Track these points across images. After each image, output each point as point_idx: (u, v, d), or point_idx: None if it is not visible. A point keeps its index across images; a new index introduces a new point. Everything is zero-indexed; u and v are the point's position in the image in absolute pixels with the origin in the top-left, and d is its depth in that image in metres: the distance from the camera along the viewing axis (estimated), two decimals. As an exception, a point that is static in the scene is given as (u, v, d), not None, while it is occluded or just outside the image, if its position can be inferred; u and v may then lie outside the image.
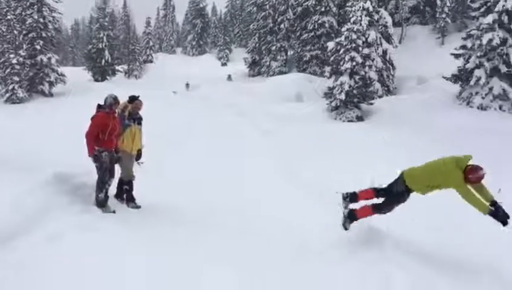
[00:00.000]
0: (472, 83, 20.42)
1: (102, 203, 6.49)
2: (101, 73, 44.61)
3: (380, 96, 26.27)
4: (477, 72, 20.22)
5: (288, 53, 43.55)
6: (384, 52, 27.75)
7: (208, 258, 4.99)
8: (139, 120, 7.16)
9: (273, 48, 42.96)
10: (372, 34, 26.22)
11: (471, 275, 4.80)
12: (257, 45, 45.87)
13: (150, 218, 6.46)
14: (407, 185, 5.30)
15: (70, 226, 5.58)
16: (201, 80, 42.17)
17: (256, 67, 46.31)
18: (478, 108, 20.03)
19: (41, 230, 5.32)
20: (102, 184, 6.46)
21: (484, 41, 19.82)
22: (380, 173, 7.68)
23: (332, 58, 24.62)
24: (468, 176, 4.93)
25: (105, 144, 6.42)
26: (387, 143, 15.07)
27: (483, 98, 20.05)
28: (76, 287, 4.17)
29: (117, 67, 47.29)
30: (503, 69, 19.74)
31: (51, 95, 29.47)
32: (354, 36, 23.11)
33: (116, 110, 6.65)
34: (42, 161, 7.86)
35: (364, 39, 24.36)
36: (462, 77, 21.44)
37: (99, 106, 6.54)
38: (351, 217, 5.73)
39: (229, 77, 44.60)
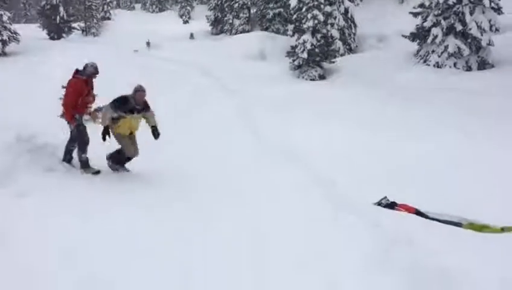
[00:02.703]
0: (429, 41, 21.04)
1: (85, 164, 6.60)
2: (57, 31, 42.66)
3: (342, 55, 26.66)
4: (434, 31, 20.81)
5: (251, 11, 42.89)
6: (346, 10, 27.89)
7: (182, 219, 5.00)
8: (139, 110, 6.69)
9: (236, 5, 42.13)
10: (334, -8, 26.24)
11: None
12: (219, 2, 44.83)
13: (114, 180, 6.53)
14: None
15: (35, 185, 5.65)
16: (163, 38, 41.10)
17: (218, 26, 45.44)
18: (434, 66, 20.75)
19: (6, 189, 5.41)
20: (83, 144, 6.57)
21: (441, 0, 20.31)
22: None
23: (294, 16, 24.56)
24: None
25: (79, 109, 6.51)
26: (348, 102, 15.53)
27: (439, 56, 20.74)
28: (40, 245, 4.17)
29: (73, 25, 45.23)
30: (459, 27, 20.37)
31: (4, 54, 28.14)
32: (316, -7, 23.09)
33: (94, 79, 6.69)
34: (4, 122, 7.79)
35: (326, -4, 24.37)
36: (420, 35, 22.00)
37: (77, 71, 6.52)
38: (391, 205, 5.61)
39: (192, 36, 43.67)
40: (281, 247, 4.33)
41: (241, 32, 39.28)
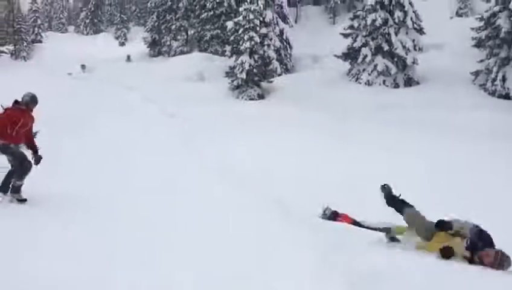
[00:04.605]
0: (359, 60, 22.28)
1: (17, 190, 6.29)
2: (-17, 55, 40.56)
3: (279, 75, 27.44)
4: (364, 51, 22.09)
5: (189, 32, 43.15)
6: (281, 31, 28.89)
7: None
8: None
9: (173, 27, 42.25)
10: (269, 14, 27.10)
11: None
12: (156, 24, 44.72)
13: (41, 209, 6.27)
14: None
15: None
16: (99, 61, 40.22)
17: (156, 47, 45.21)
18: (365, 84, 21.95)
19: None
20: (23, 173, 6.24)
21: (368, 22, 21.64)
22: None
23: (232, 38, 25.07)
24: None
25: (12, 139, 6.20)
26: (284, 119, 16.05)
27: (369, 74, 21.99)
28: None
29: (1, 48, 43.24)
30: (386, 47, 21.75)
31: None
32: (252, 16, 23.73)
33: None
34: None
35: (261, 19, 25.12)
36: (351, 55, 23.22)
37: (15, 102, 6.33)
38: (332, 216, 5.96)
39: (129, 58, 43.07)
40: (232, 260, 4.46)
41: (179, 54, 39.31)
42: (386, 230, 5.18)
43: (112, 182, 7.85)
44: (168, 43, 42.69)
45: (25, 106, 6.34)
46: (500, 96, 19.04)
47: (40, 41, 56.26)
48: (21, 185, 6.34)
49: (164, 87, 25.24)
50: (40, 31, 58.40)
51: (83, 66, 38.30)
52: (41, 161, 6.45)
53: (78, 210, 6.15)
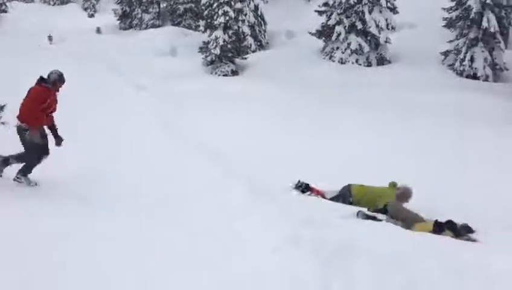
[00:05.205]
0: (333, 38, 22.33)
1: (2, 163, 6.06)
2: None
3: (254, 51, 27.22)
4: (338, 29, 22.13)
5: (161, 5, 42.09)
6: (256, 7, 28.52)
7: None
8: None
9: (145, -1, 41.11)
10: (244, -11, 26.71)
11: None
12: (127, -5, 43.39)
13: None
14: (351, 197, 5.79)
15: None
16: (67, 33, 38.76)
17: (127, 20, 43.92)
18: (339, 62, 22.07)
19: None
20: (21, 160, 6.03)
21: (343, -1, 21.63)
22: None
23: (206, 12, 24.64)
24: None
25: (34, 122, 5.85)
26: (258, 97, 16.03)
27: (342, 52, 22.10)
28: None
29: (-38, 17, 41.26)
30: (359, 25, 21.84)
31: None
32: (226, -10, 23.33)
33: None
34: None
35: (236, -7, 24.71)
36: (325, 33, 23.22)
37: (41, 79, 5.90)
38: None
39: (98, 30, 41.81)
40: (206, 235, 4.52)
41: (151, 27, 38.39)
42: (347, 189, 5.62)
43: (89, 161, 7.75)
44: (139, 15, 41.54)
45: (52, 85, 5.93)
46: (468, 77, 19.54)
47: (5, 11, 53.86)
48: (5, 165, 6.09)
49: (135, 61, 24.66)
50: (4, 0, 55.82)
51: (50, 38, 36.93)
52: (62, 143, 6.21)
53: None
